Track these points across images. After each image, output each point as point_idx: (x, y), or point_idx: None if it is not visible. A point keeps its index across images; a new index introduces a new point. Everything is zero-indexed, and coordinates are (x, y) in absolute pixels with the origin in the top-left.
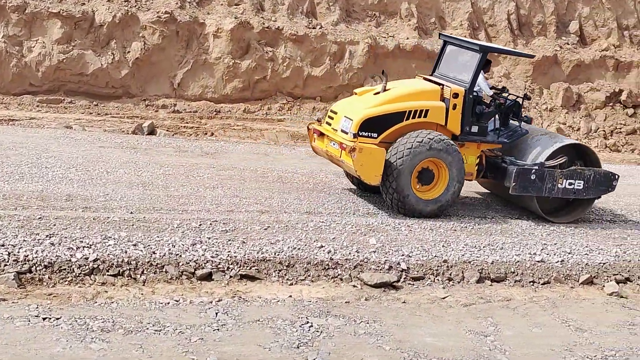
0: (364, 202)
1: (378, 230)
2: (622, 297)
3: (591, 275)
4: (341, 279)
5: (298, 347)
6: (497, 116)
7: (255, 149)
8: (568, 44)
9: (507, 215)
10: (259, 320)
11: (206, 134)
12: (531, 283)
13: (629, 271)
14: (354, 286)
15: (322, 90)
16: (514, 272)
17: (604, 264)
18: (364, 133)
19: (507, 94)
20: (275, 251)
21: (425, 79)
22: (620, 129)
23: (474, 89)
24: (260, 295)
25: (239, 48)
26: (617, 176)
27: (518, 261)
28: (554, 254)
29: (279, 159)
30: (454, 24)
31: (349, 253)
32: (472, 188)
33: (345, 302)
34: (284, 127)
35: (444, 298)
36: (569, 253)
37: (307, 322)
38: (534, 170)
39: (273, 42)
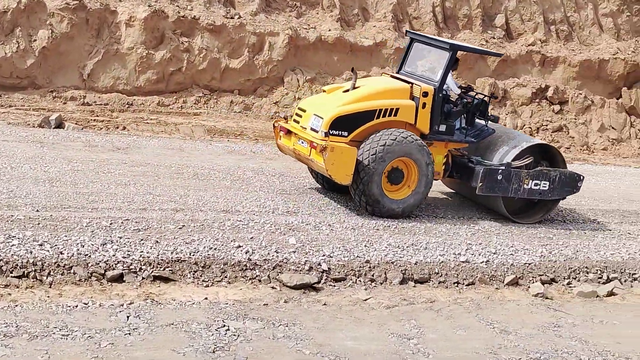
0: (284, 200)
1: (298, 230)
2: (547, 298)
3: (516, 276)
4: (259, 281)
5: (214, 352)
6: (462, 115)
7: (169, 144)
8: (494, 38)
9: (432, 214)
10: (173, 324)
11: (118, 127)
12: (455, 284)
13: (554, 272)
14: (272, 288)
15: (241, 83)
16: (438, 273)
17: (529, 264)
18: (334, 132)
19: (474, 93)
20: (191, 251)
21: (392, 76)
22: (547, 125)
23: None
24: (174, 297)
25: (153, 38)
26: (582, 177)
27: (442, 262)
28: (479, 254)
29: (194, 154)
30: (378, 15)
31: (268, 253)
32: None
33: (264, 305)
34: (200, 121)
35: (366, 300)
36: (494, 253)
37: (224, 326)
38: (500, 171)
39: (189, 32)
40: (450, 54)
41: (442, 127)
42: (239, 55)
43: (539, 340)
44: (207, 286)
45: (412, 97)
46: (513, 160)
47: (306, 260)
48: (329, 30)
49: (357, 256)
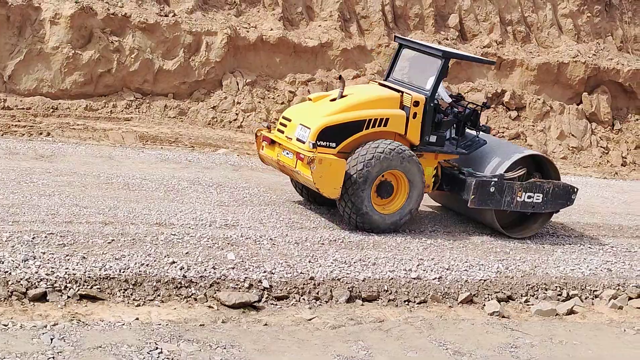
0: (222, 212)
1: (237, 244)
2: (503, 317)
3: (471, 294)
4: (195, 299)
5: None
6: (453, 125)
7: (98, 152)
8: (447, 39)
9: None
10: (100, 347)
11: (41, 134)
12: (406, 302)
13: (511, 288)
14: (209, 307)
15: (175, 86)
16: (387, 291)
17: (484, 280)
18: (321, 143)
19: (466, 103)
20: (121, 268)
21: (380, 84)
22: (503, 132)
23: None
24: (102, 317)
25: (80, 37)
26: (576, 189)
27: (392, 278)
28: (431, 270)
29: (125, 163)
30: (323, 14)
31: (205, 270)
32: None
33: (200, 325)
34: (131, 127)
35: (310, 319)
36: (448, 269)
37: (156, 348)
38: (493, 183)
39: (119, 30)
40: (442, 61)
41: (433, 138)
42: (174, 56)
43: None
44: (139, 305)
45: (402, 107)
46: (506, 171)
47: (246, 277)
48: (271, 29)
49: (301, 272)
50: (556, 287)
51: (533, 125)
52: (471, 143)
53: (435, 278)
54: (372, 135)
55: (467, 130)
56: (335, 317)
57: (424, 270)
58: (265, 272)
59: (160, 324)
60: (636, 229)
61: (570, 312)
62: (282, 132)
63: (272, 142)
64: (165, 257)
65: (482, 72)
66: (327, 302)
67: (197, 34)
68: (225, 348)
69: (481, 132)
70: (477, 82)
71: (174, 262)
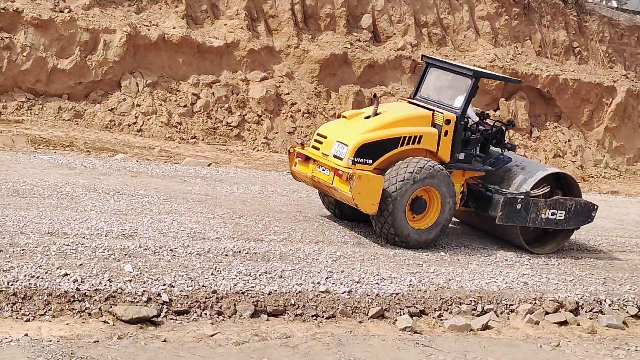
0: (119, 221)
1: (135, 255)
2: (416, 332)
3: (382, 308)
4: (89, 314)
5: None
6: (479, 143)
7: None
8: (360, 40)
9: (288, 238)
10: None
11: None
12: (314, 317)
13: (424, 303)
14: (104, 322)
15: (71, 86)
16: (294, 305)
17: (396, 294)
18: (358, 159)
19: (493, 121)
20: (9, 280)
21: (409, 102)
22: None
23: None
24: None
25: None
26: (596, 207)
27: (299, 292)
28: (341, 284)
29: (15, 168)
30: (229, 13)
31: (100, 282)
32: (256, 206)
33: (94, 342)
34: (22, 129)
35: (212, 335)
36: (358, 282)
37: None
38: (519, 200)
39: (10, 26)
40: (473, 80)
41: (461, 155)
42: (69, 55)
43: None
44: (28, 320)
45: (434, 124)
46: (531, 189)
47: (144, 291)
48: (174, 28)
49: (203, 286)
50: (471, 301)
51: None
52: (496, 160)
53: (345, 292)
54: (406, 152)
55: (492, 148)
56: (238, 332)
57: (333, 284)
58: (164, 285)
59: (51, 340)
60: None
61: (485, 327)
62: (318, 148)
63: (307, 159)
64: (57, 268)
65: (395, 75)
66: (230, 317)
67: (95, 32)
68: None
69: (506, 150)
70: (391, 86)
71: (66, 275)
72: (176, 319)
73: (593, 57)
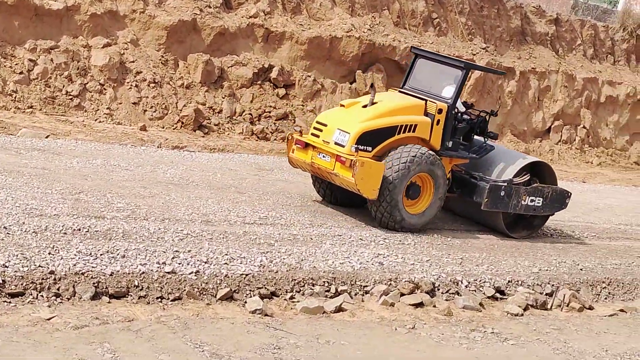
0: None
1: None
2: (266, 315)
3: (231, 290)
4: None
5: None
6: (464, 132)
7: None
8: (210, 7)
9: (131, 215)
10: None
11: None
12: (159, 299)
13: (275, 284)
14: None
15: None
16: (138, 286)
17: (246, 275)
18: (359, 147)
19: (477, 111)
20: None
21: (400, 92)
22: (270, 112)
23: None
24: None
25: None
26: (570, 194)
27: (143, 272)
28: (188, 264)
29: None
30: None
31: None
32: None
33: None
34: None
35: (49, 319)
36: (206, 262)
37: None
38: (503, 187)
39: None
40: (463, 72)
41: (450, 143)
42: None
43: None
44: None
45: (426, 114)
46: (514, 177)
47: None
48: None
49: (40, 266)
50: (324, 282)
51: (302, 105)
52: (479, 148)
53: (192, 272)
54: (402, 140)
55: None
56: (78, 316)
57: (179, 264)
58: None
59: None
60: None
61: (339, 309)
62: (317, 136)
63: (306, 146)
64: None
65: (247, 44)
66: (69, 299)
67: None
68: None
69: (489, 139)
70: (242, 55)
71: None
72: (10, 302)
73: (452, 29)
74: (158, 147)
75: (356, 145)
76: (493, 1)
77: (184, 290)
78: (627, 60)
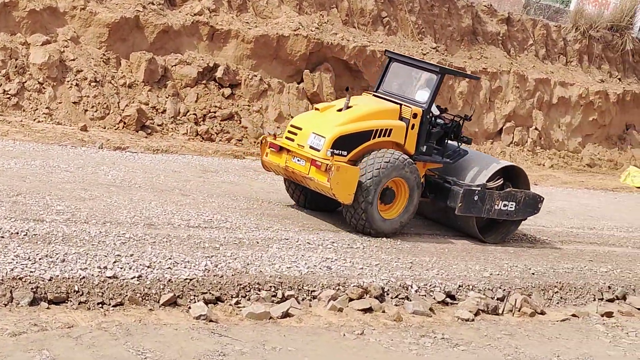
0: None
1: None
2: (211, 321)
3: (175, 295)
4: None
5: None
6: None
7: None
8: (153, 3)
9: (71, 218)
10: None
11: None
12: (100, 305)
13: (220, 289)
14: None
15: None
16: (78, 292)
17: (190, 280)
18: (335, 151)
19: (452, 116)
20: None
21: (374, 95)
22: (215, 112)
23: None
24: None
25: None
26: (542, 198)
27: (84, 277)
28: (130, 268)
29: None
30: None
31: None
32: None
33: None
34: None
35: None
36: (148, 267)
37: None
38: (477, 192)
39: None
40: (438, 77)
41: (424, 148)
42: None
43: None
44: None
45: (401, 118)
46: (487, 181)
47: None
48: None
49: None
50: (270, 287)
51: (249, 105)
52: (453, 153)
53: (134, 277)
54: (377, 144)
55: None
56: (15, 322)
57: (121, 268)
58: None
59: None
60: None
61: (286, 314)
62: (292, 140)
63: (280, 149)
64: None
65: (192, 42)
66: (6, 305)
67: None
68: None
69: (462, 143)
70: (187, 54)
71: None
72: None
73: (402, 28)
74: (99, 148)
75: (332, 150)
76: (444, 0)
77: (126, 295)
78: (580, 60)
